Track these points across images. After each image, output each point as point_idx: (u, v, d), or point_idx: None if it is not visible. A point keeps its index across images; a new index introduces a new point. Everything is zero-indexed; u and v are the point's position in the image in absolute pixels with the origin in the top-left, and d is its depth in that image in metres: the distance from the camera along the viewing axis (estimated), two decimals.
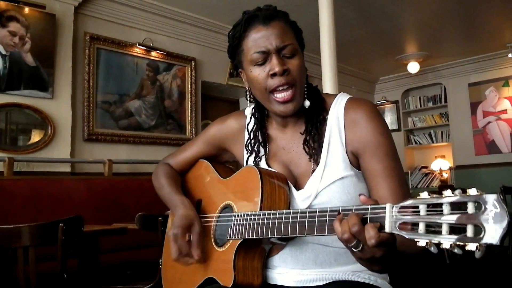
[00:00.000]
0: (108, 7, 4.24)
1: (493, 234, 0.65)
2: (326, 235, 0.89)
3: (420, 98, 7.81)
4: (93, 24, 4.17)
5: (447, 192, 0.72)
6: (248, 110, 1.31)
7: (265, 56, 1.12)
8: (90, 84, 4.05)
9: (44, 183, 3.42)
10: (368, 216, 0.82)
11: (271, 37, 1.11)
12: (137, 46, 4.43)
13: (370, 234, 0.79)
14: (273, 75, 1.11)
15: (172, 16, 4.69)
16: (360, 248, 0.83)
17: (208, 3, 4.60)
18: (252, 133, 1.29)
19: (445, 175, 7.34)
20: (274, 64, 1.10)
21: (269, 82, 1.12)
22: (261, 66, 1.13)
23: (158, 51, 4.59)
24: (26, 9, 3.62)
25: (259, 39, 1.12)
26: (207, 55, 5.12)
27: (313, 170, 1.15)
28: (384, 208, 0.80)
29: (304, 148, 1.19)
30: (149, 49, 4.52)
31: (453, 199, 0.71)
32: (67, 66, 3.87)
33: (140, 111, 4.46)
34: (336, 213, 0.87)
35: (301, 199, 1.13)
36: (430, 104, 7.70)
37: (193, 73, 4.92)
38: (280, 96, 1.12)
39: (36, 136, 3.67)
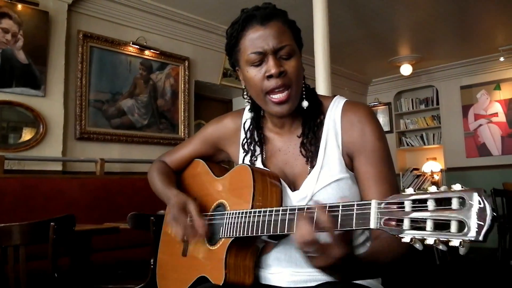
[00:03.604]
0: (102, 5, 4.23)
1: (476, 230, 0.65)
2: (315, 232, 0.88)
3: (412, 100, 7.85)
4: (87, 22, 4.15)
5: (432, 188, 0.72)
6: (247, 110, 1.31)
7: (262, 57, 1.11)
8: (83, 82, 4.03)
9: (35, 181, 3.40)
10: (354, 212, 0.83)
11: (268, 37, 1.10)
12: (131, 44, 4.42)
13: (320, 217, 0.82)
14: (269, 76, 1.11)
15: (166, 15, 4.69)
16: (317, 250, 0.83)
17: (202, 3, 4.59)
18: (248, 132, 1.30)
19: (436, 177, 7.38)
20: (270, 66, 1.10)
21: (265, 84, 1.12)
22: (258, 67, 1.12)
23: (151, 50, 4.58)
24: (19, 6, 3.60)
25: (256, 39, 1.11)
26: (201, 54, 5.12)
27: (310, 171, 1.15)
28: (370, 204, 0.80)
29: (301, 151, 1.19)
30: (142, 48, 4.51)
31: (438, 195, 0.71)
32: (59, 64, 3.85)
33: (133, 110, 4.45)
34: (325, 209, 0.87)
35: (297, 200, 1.14)
36: (422, 107, 7.74)
37: (186, 72, 4.91)
38: (276, 97, 1.12)
39: (27, 134, 3.64)
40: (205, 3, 4.60)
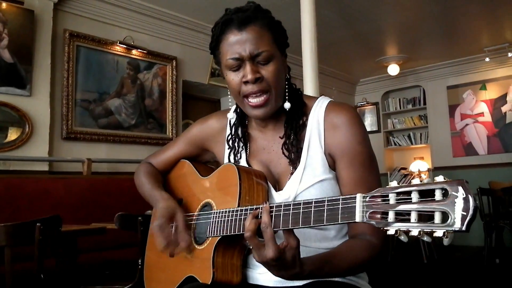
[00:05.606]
0: (88, 4, 4.19)
1: (459, 220, 0.66)
2: (300, 227, 0.89)
3: (399, 100, 7.91)
4: (73, 21, 4.12)
5: (416, 180, 0.73)
6: (232, 110, 1.32)
7: (239, 63, 1.12)
8: (69, 81, 4.00)
9: (21, 182, 3.37)
10: (340, 206, 0.83)
11: (245, 43, 1.10)
12: (118, 44, 4.39)
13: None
14: (246, 82, 1.12)
15: (154, 14, 4.67)
16: (255, 246, 0.91)
17: (190, 2, 4.58)
18: (233, 128, 1.30)
19: (424, 177, 7.44)
20: (247, 72, 1.11)
21: (243, 88, 1.13)
22: (236, 72, 1.14)
23: (139, 50, 4.56)
24: (4, 5, 3.56)
25: (234, 44, 1.11)
26: (189, 54, 5.10)
27: (293, 172, 1.16)
28: (355, 198, 0.81)
29: (283, 152, 1.20)
30: (129, 47, 4.49)
31: (421, 187, 0.72)
32: (45, 63, 3.81)
33: (120, 110, 4.42)
34: (311, 205, 0.88)
35: (280, 201, 1.13)
36: (410, 106, 7.81)
37: (174, 72, 4.89)
38: (253, 101, 1.14)
39: (13, 134, 3.60)
40: (193, 3, 4.59)
